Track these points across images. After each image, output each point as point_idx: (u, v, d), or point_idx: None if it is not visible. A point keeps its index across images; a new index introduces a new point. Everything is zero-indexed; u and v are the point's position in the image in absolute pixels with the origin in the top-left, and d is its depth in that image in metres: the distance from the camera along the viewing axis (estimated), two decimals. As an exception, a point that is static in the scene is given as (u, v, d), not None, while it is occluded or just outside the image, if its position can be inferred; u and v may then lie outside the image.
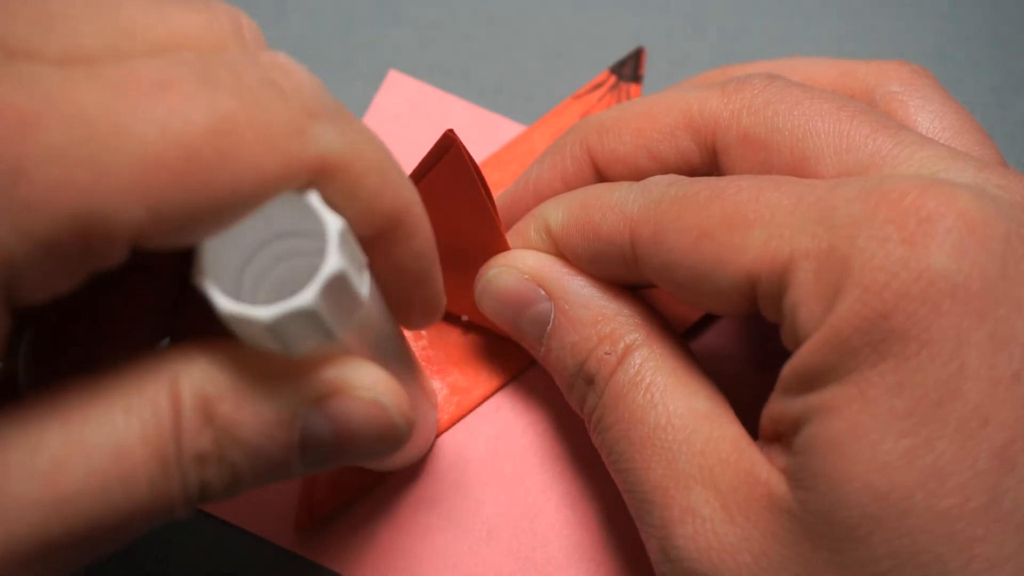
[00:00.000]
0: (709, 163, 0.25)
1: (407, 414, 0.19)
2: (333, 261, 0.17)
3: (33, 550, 0.16)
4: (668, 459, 0.22)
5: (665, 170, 0.26)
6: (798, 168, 0.23)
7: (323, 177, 0.17)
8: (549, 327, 0.26)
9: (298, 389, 0.18)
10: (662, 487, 0.22)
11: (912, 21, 0.37)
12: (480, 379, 0.30)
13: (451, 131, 0.25)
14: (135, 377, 0.17)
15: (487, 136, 0.34)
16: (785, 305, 0.21)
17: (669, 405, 0.23)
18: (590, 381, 0.25)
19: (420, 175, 0.27)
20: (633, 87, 0.34)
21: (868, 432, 0.19)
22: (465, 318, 0.31)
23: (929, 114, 0.25)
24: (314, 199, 0.17)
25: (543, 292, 0.26)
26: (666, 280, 0.23)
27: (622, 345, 0.24)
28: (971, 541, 0.18)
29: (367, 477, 0.28)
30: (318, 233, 0.17)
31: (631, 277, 0.25)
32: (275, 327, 0.17)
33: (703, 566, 0.21)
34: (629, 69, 0.35)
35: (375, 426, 0.19)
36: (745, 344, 0.31)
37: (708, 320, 0.31)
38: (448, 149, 0.26)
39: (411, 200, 0.19)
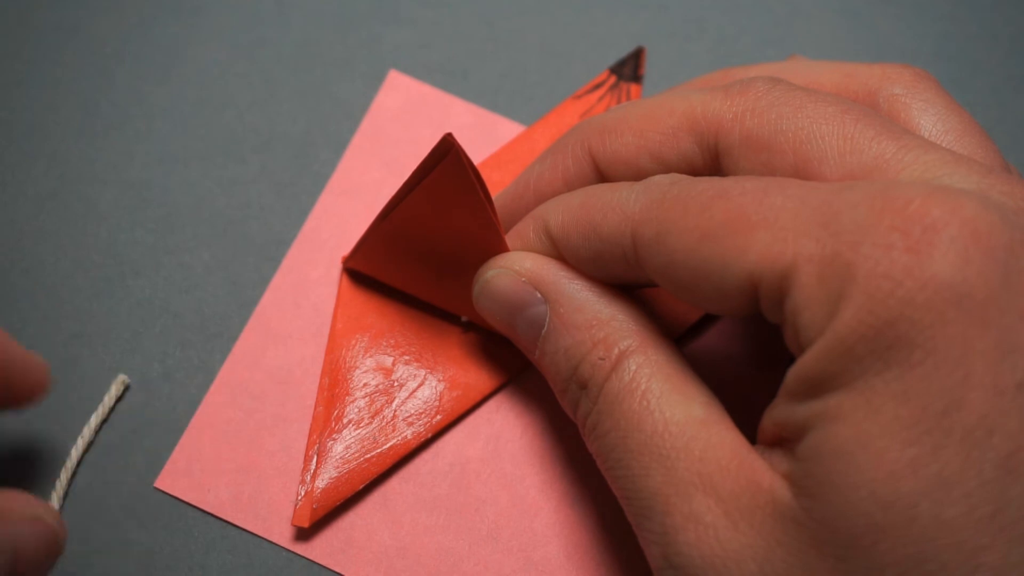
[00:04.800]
0: (711, 165, 0.25)
1: None
2: None
3: None
4: (667, 466, 0.22)
5: (667, 172, 0.26)
6: (801, 171, 0.23)
7: None
8: (544, 330, 0.26)
9: None
10: (662, 494, 0.22)
11: (912, 21, 0.37)
12: (480, 378, 0.30)
13: (449, 135, 0.25)
14: None
15: (487, 136, 0.34)
16: (787, 308, 0.21)
17: (666, 412, 0.23)
18: (583, 386, 0.25)
19: (418, 179, 0.27)
20: (633, 87, 0.34)
21: (874, 440, 0.19)
22: (465, 318, 0.31)
23: (932, 117, 0.25)
24: None
25: (539, 295, 0.26)
26: (668, 280, 0.23)
27: (616, 351, 0.24)
28: (976, 550, 0.18)
29: (366, 475, 0.28)
30: None
31: (632, 277, 0.25)
32: None
33: (707, 573, 0.21)
34: (629, 69, 0.34)
35: None
36: (745, 345, 0.31)
37: (708, 320, 0.31)
38: (446, 153, 0.26)
39: None
